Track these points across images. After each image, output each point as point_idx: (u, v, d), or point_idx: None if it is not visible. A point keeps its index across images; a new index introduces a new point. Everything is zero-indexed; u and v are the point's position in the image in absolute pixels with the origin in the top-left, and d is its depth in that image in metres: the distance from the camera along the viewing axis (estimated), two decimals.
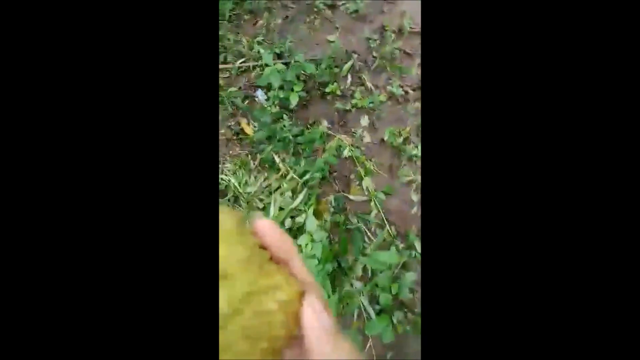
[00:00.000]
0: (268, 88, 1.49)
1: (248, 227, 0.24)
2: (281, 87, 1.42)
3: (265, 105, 1.46)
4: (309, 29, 1.86)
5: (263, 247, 0.24)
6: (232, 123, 1.48)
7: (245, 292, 0.21)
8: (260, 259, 0.23)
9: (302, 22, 1.90)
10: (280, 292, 0.22)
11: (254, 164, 1.35)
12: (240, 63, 1.68)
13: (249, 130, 1.43)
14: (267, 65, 1.43)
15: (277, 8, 1.98)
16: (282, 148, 1.33)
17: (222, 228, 0.22)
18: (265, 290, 0.22)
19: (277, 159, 1.28)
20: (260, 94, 1.55)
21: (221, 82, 1.60)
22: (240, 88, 1.60)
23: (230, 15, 1.92)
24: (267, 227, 0.24)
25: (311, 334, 0.22)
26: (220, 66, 1.68)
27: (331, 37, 1.80)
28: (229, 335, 0.20)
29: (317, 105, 1.54)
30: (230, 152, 1.41)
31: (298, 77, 1.48)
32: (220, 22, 1.91)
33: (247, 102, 1.53)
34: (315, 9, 1.93)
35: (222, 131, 1.46)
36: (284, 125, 1.41)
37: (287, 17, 1.92)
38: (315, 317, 0.22)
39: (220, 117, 1.48)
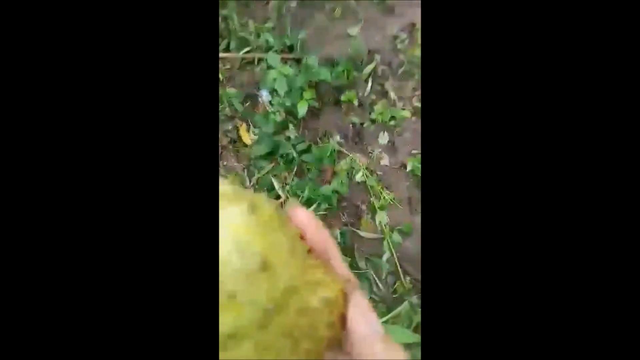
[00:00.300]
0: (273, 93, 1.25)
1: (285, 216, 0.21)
2: (289, 91, 1.19)
3: (269, 110, 1.23)
4: (327, 17, 1.60)
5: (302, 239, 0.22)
6: (230, 127, 1.25)
7: (288, 286, 0.19)
8: (302, 251, 0.21)
9: (320, 8, 1.64)
10: (323, 289, 0.20)
11: (249, 182, 1.14)
12: (245, 53, 1.44)
13: (247, 138, 1.21)
14: (271, 67, 1.19)
15: None
16: (284, 168, 1.12)
17: (261, 215, 0.20)
18: (308, 286, 0.20)
19: (276, 184, 1.07)
20: (264, 94, 1.32)
21: (220, 75, 1.36)
22: (242, 84, 1.37)
23: None
24: (305, 217, 0.23)
25: (358, 338, 0.20)
26: (221, 54, 1.44)
27: (352, 31, 1.55)
28: (270, 334, 0.18)
29: (329, 115, 1.31)
30: (225, 163, 1.19)
31: (309, 81, 1.25)
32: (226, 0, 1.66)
33: (248, 103, 1.30)
34: None
35: (220, 143, 1.24)
36: (289, 138, 1.19)
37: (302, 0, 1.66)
38: (363, 320, 0.21)
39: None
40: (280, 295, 0.19)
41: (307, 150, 1.15)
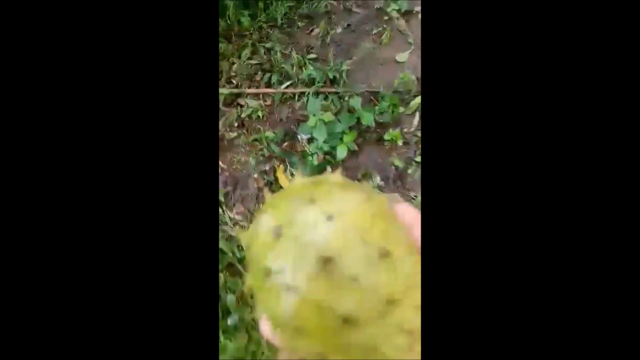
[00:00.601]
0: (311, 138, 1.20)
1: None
2: (329, 135, 1.13)
3: (308, 151, 1.19)
4: (374, 42, 1.51)
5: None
6: (267, 168, 1.22)
7: (406, 279, 0.17)
8: (414, 247, 0.19)
9: (367, 33, 1.55)
10: None
11: None
12: (286, 87, 1.40)
13: (284, 180, 1.17)
14: (312, 115, 1.13)
15: (338, 12, 1.64)
16: None
17: (375, 204, 0.19)
18: (419, 284, 0.18)
19: None
20: (304, 135, 1.27)
21: (260, 111, 1.34)
22: (281, 120, 1.34)
23: (282, 22, 1.63)
24: (414, 216, 0.21)
25: None
26: (264, 90, 1.42)
27: (401, 57, 1.44)
28: (387, 326, 0.17)
29: (370, 154, 1.23)
30: (259, 205, 1.17)
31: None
32: (270, 28, 1.64)
33: (286, 143, 1.26)
34: (386, 17, 1.56)
35: (254, 175, 1.22)
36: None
37: (349, 25, 1.59)
38: None
39: (254, 159, 1.24)
40: (399, 288, 0.17)
41: None
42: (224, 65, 1.58)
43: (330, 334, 0.16)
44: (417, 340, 0.18)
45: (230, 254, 0.99)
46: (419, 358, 0.18)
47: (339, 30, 1.58)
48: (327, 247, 0.17)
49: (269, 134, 1.21)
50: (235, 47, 1.60)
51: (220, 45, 1.59)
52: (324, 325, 0.16)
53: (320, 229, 0.17)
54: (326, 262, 0.16)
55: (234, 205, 1.17)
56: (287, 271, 0.17)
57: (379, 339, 0.17)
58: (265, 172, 1.22)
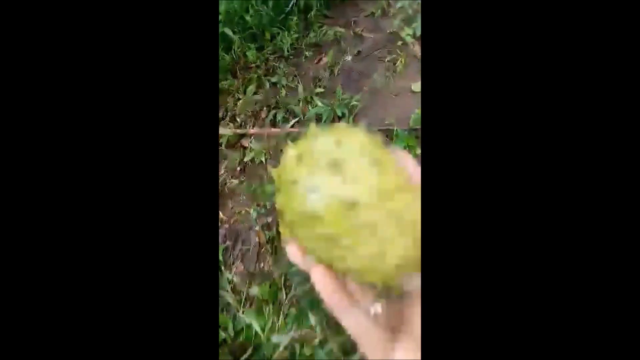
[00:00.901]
0: None
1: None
2: None
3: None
4: (387, 70, 1.38)
5: None
6: (269, 220, 1.11)
7: (396, 179, 0.21)
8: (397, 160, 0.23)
9: (379, 60, 1.43)
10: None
11: (285, 292, 0.97)
12: (291, 126, 1.30)
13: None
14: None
15: (348, 39, 1.53)
16: None
17: (374, 139, 0.22)
18: (412, 196, 0.22)
19: (313, 321, 0.88)
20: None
21: (263, 156, 1.24)
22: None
23: (289, 52, 1.53)
24: (411, 162, 0.23)
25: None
26: (268, 130, 1.32)
27: (417, 86, 1.30)
28: (384, 211, 0.20)
29: None
30: (261, 265, 1.05)
31: None
32: (277, 59, 1.55)
33: None
34: (400, 42, 1.43)
35: (256, 228, 1.11)
36: None
37: (359, 52, 1.47)
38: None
39: (255, 212, 1.13)
40: (390, 185, 0.21)
41: None
42: (228, 101, 1.50)
43: (340, 218, 0.20)
44: (408, 233, 0.21)
45: (224, 334, 0.87)
46: (412, 237, 0.21)
47: (349, 58, 1.46)
48: (336, 157, 0.21)
49: (269, 187, 1.10)
50: (240, 81, 1.52)
51: (225, 81, 1.52)
52: (336, 211, 0.20)
53: (330, 151, 0.21)
54: (335, 166, 0.20)
55: (233, 263, 1.06)
56: (308, 178, 0.21)
57: (379, 221, 0.20)
58: (267, 225, 1.10)
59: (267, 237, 1.06)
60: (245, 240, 1.10)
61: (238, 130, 1.35)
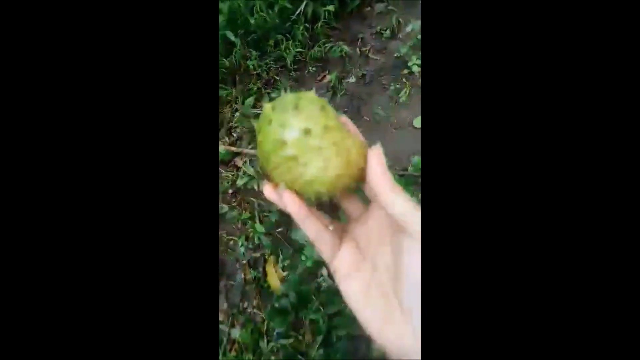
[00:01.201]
0: None
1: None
2: None
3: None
4: (391, 100, 1.34)
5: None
6: (258, 255, 1.10)
7: (334, 122, 0.29)
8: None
9: (383, 86, 1.38)
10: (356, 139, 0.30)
11: (266, 340, 0.98)
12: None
13: (274, 280, 1.05)
14: None
15: (354, 57, 1.47)
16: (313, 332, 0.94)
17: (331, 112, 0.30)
18: (346, 135, 0.29)
19: None
20: None
21: (256, 182, 1.21)
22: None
23: (292, 65, 1.47)
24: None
25: (376, 172, 0.28)
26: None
27: (417, 121, 1.27)
28: (325, 146, 0.28)
29: None
30: (246, 305, 1.05)
31: None
32: (279, 70, 1.48)
33: (280, 229, 1.13)
34: (407, 71, 1.38)
35: (243, 262, 1.10)
36: (323, 280, 1.00)
37: (364, 75, 1.42)
38: (381, 161, 0.28)
39: (244, 247, 1.12)
40: (334, 124, 0.29)
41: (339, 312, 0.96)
42: (224, 112, 1.45)
43: (299, 143, 0.28)
44: (348, 162, 0.29)
45: None
46: (346, 159, 0.28)
47: (353, 80, 1.41)
48: (298, 104, 0.29)
49: (258, 226, 1.08)
50: (239, 91, 1.46)
51: (225, 91, 1.46)
52: (297, 138, 0.28)
53: (294, 102, 0.29)
54: (297, 109, 0.28)
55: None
56: (279, 118, 0.29)
57: (323, 146, 0.28)
58: (255, 261, 1.10)
59: (253, 275, 1.05)
60: (230, 275, 1.09)
61: (232, 148, 1.31)
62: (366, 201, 0.32)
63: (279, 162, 0.28)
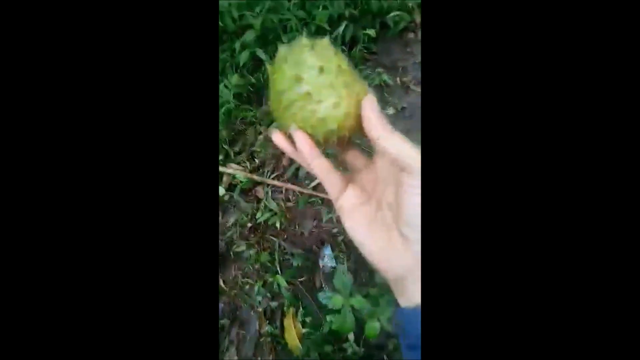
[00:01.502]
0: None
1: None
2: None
3: (326, 292, 0.94)
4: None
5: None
6: (276, 304, 0.98)
7: (346, 67, 0.30)
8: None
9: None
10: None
11: None
12: (314, 187, 1.15)
13: (292, 337, 0.92)
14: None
15: (393, 87, 1.36)
16: None
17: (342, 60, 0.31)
18: (356, 78, 0.30)
19: None
20: (327, 258, 1.03)
21: (278, 220, 1.10)
22: (302, 234, 1.09)
23: None
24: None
25: (370, 118, 0.29)
26: (288, 185, 1.18)
27: None
28: (338, 85, 0.29)
29: None
30: (257, 359, 0.93)
31: None
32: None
33: (303, 278, 1.02)
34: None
35: (259, 309, 0.99)
36: (349, 345, 0.88)
37: (403, 109, 1.31)
38: (374, 108, 0.29)
39: (260, 295, 1.00)
40: (335, 69, 0.29)
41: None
42: (248, 134, 1.34)
43: (313, 79, 0.29)
44: (354, 93, 0.29)
45: None
46: (355, 99, 0.29)
47: (391, 112, 1.30)
48: (313, 45, 0.30)
49: (280, 278, 0.97)
50: (263, 112, 1.36)
51: (249, 112, 1.36)
52: (312, 75, 0.29)
53: (309, 44, 0.30)
54: (312, 49, 0.29)
55: (226, 349, 0.94)
56: (295, 57, 0.29)
57: (336, 84, 0.29)
58: (272, 312, 0.98)
59: (269, 330, 0.93)
60: (244, 323, 0.98)
61: (254, 177, 1.21)
62: (369, 155, 0.34)
63: (293, 99, 0.29)
